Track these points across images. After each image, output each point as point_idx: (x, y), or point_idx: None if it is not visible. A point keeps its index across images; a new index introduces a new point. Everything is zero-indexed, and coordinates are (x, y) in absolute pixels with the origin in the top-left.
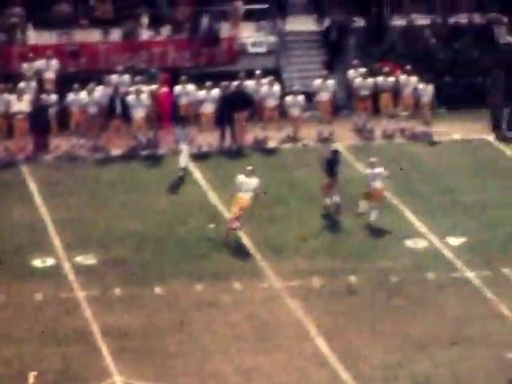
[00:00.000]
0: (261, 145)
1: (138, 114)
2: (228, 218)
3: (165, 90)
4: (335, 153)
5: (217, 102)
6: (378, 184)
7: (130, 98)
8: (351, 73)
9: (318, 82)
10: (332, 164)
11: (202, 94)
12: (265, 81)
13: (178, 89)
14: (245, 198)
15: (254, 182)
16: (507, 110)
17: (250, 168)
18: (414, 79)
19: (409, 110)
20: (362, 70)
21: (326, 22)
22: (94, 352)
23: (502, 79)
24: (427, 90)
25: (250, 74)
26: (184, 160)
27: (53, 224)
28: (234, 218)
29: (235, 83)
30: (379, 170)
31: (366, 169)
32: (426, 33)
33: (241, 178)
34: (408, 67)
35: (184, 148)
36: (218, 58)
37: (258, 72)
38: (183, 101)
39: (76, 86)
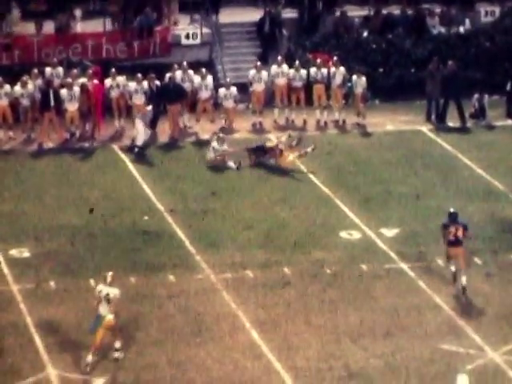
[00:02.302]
0: (194, 137)
1: (71, 106)
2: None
3: (96, 82)
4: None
5: (148, 94)
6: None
7: (63, 91)
8: (274, 68)
9: (252, 72)
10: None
11: (133, 85)
12: (197, 73)
13: (108, 81)
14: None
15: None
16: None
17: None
18: (342, 70)
19: (339, 102)
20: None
21: (259, 14)
22: (28, 345)
23: (440, 69)
24: (360, 82)
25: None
26: (140, 138)
27: None
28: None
29: (168, 75)
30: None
31: None
32: (359, 24)
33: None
34: (335, 58)
35: (139, 125)
36: (152, 50)
37: (184, 63)
38: (114, 93)
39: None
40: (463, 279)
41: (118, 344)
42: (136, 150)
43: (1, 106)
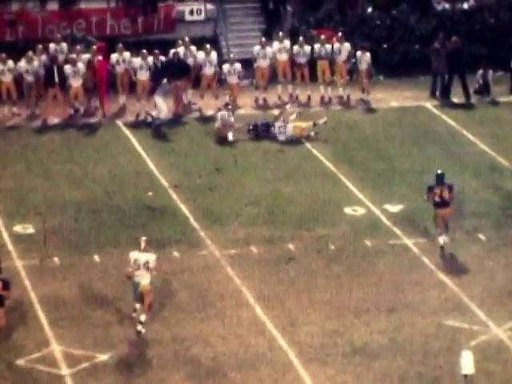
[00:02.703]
0: (199, 112)
1: (75, 82)
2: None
3: (100, 58)
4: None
5: (152, 70)
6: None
7: (67, 67)
8: (276, 44)
9: (257, 48)
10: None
11: (138, 61)
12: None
13: (114, 57)
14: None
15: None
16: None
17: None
18: (347, 46)
19: (344, 78)
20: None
21: None
22: (32, 321)
23: (446, 46)
24: (364, 58)
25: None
26: (162, 112)
27: None
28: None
29: (172, 51)
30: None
31: None
32: (363, 0)
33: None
34: (340, 34)
35: (159, 100)
36: (156, 26)
37: (186, 39)
38: (119, 68)
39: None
40: (444, 238)
41: (143, 317)
42: (156, 123)
43: (5, 81)
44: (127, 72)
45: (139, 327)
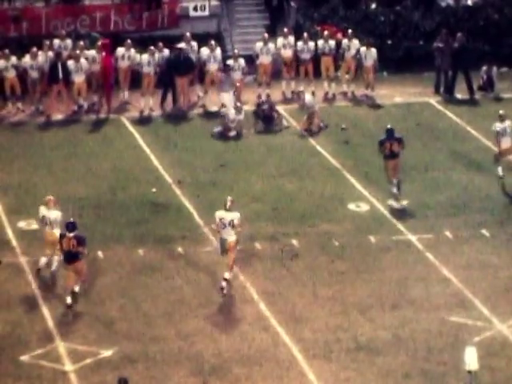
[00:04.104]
0: (203, 108)
1: (79, 78)
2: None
3: (105, 54)
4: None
5: (158, 66)
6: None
7: (71, 63)
8: (280, 40)
9: (259, 44)
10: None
11: (143, 57)
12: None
13: (121, 50)
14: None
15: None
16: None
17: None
18: (355, 42)
19: (351, 74)
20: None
21: None
22: (37, 317)
23: (449, 42)
24: (370, 54)
25: (192, 38)
26: (229, 106)
27: None
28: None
29: (177, 46)
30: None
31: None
32: None
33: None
34: (350, 31)
35: (225, 97)
36: (160, 22)
37: (187, 35)
38: (123, 64)
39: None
40: (395, 188)
41: (227, 274)
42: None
43: (8, 77)
44: (130, 68)
45: (223, 284)
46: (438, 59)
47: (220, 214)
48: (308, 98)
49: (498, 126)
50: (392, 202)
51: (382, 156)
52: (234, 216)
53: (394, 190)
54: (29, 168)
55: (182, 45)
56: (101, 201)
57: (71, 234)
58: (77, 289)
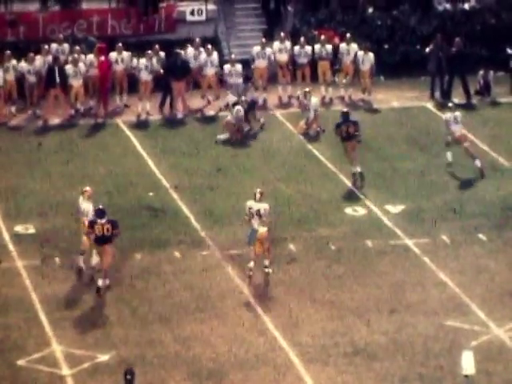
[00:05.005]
0: (199, 113)
1: (76, 83)
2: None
3: (102, 59)
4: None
5: (156, 70)
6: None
7: (68, 67)
8: (277, 44)
9: (256, 49)
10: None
11: (140, 61)
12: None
13: (113, 55)
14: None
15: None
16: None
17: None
18: (354, 46)
19: (349, 78)
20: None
21: None
22: (33, 321)
23: (443, 47)
24: (367, 58)
25: (188, 42)
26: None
27: None
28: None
29: (175, 51)
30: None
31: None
32: (364, 0)
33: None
34: (348, 35)
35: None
36: (157, 27)
37: (197, 40)
38: (118, 68)
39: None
40: (357, 168)
41: (267, 261)
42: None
43: (8, 80)
44: (125, 72)
45: (266, 270)
46: (431, 64)
47: (249, 203)
48: (314, 100)
49: (447, 115)
50: (354, 169)
51: (340, 139)
52: (262, 206)
53: (353, 169)
54: (26, 172)
55: (189, 49)
56: (98, 205)
57: (103, 220)
58: (100, 283)
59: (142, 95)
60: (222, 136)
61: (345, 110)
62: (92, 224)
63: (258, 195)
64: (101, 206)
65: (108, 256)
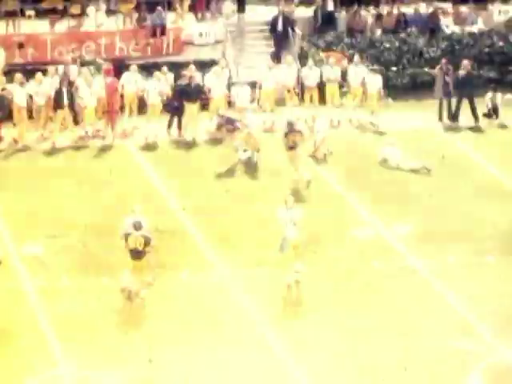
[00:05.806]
0: (208, 135)
1: (85, 104)
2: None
3: (110, 80)
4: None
5: (165, 92)
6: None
7: (77, 89)
8: (284, 67)
9: (263, 70)
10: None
11: (149, 83)
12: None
13: (126, 75)
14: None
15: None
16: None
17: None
18: (362, 69)
19: (357, 100)
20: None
21: (273, 13)
22: (41, 342)
23: (449, 70)
24: (375, 80)
25: (197, 65)
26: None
27: (0, 214)
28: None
29: (187, 74)
30: None
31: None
32: (372, 23)
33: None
34: (356, 57)
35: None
36: (165, 49)
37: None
38: (130, 89)
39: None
40: (306, 174)
41: (297, 266)
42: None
43: (17, 103)
44: (136, 94)
45: (296, 276)
46: (437, 89)
47: (281, 211)
48: (322, 122)
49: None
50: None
51: (285, 148)
52: (294, 213)
53: (305, 177)
54: (34, 194)
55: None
56: (106, 227)
57: (138, 233)
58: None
59: (151, 117)
60: (244, 155)
61: (289, 120)
62: (127, 236)
63: (289, 203)
64: (138, 219)
65: (140, 274)
